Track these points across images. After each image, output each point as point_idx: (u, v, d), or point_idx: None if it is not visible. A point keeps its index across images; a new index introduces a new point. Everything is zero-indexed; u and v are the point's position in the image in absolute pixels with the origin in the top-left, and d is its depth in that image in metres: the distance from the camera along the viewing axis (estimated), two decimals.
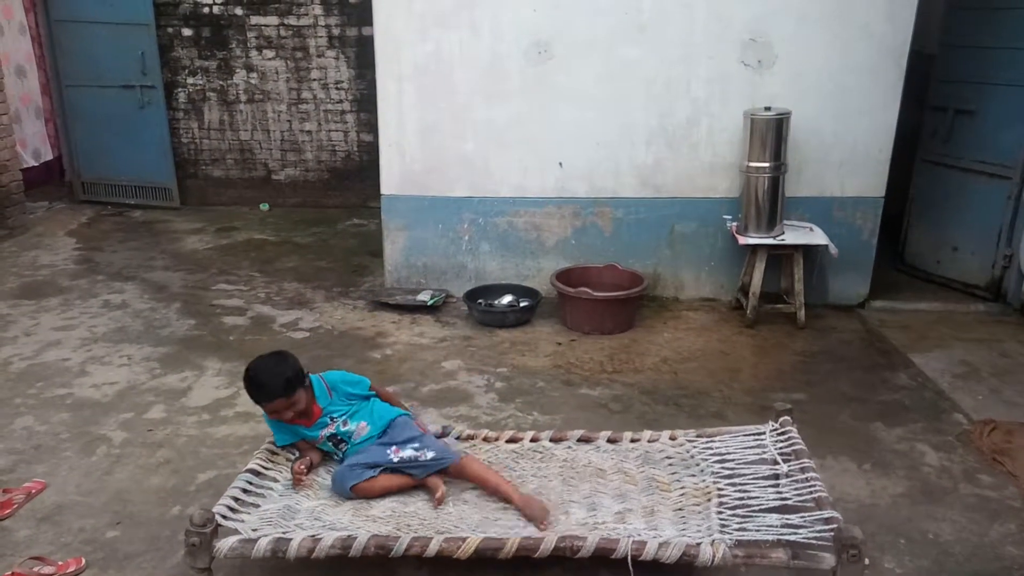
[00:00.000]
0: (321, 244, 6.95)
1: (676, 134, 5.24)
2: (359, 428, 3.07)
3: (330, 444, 3.09)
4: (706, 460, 3.19)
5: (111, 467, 3.47)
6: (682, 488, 3.04)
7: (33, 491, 3.27)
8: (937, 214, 5.76)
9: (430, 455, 3.01)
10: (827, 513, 2.66)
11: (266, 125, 8.04)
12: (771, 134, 4.86)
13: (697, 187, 5.34)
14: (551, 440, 3.36)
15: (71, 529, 3.05)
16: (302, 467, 3.01)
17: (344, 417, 3.08)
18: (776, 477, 3.00)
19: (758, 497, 2.89)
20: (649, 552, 2.55)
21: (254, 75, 7.88)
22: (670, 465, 3.21)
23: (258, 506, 2.84)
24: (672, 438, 3.35)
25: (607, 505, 2.95)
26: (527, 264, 5.53)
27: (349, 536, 2.62)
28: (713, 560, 2.52)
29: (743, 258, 5.32)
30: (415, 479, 3.02)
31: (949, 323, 5.19)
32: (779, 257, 5.20)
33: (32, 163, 7.74)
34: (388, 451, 3.01)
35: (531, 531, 2.75)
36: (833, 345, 4.89)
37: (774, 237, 5.02)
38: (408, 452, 3.01)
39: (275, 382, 2.92)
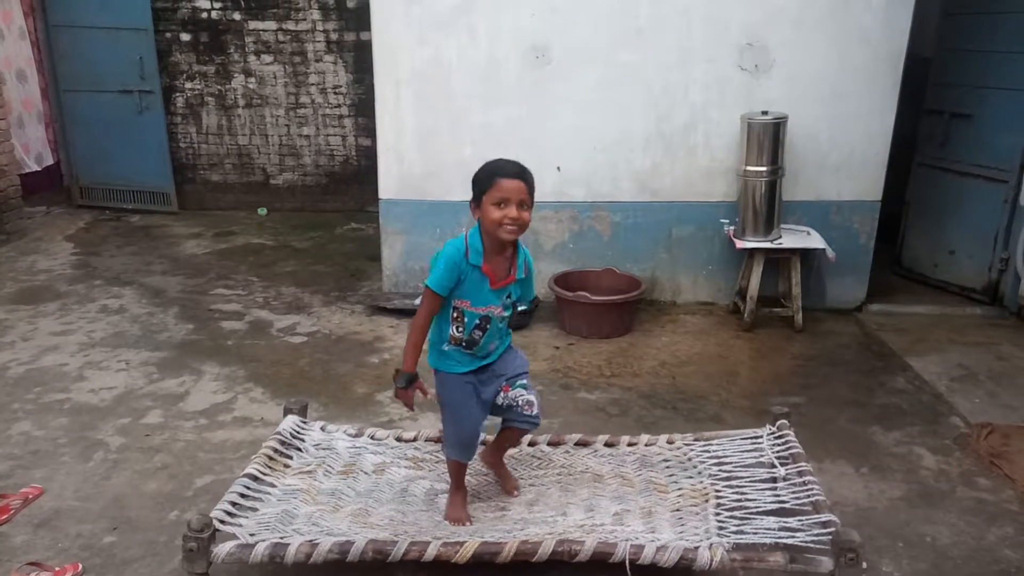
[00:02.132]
0: (319, 248, 6.95)
1: (674, 138, 5.25)
2: (498, 340, 2.85)
3: (477, 323, 2.74)
4: (704, 463, 3.20)
5: (108, 472, 3.47)
6: (680, 490, 3.05)
7: (30, 496, 3.26)
8: (934, 218, 5.77)
9: (535, 409, 2.90)
10: (825, 517, 2.67)
11: (264, 130, 8.05)
12: (768, 138, 4.87)
13: (695, 191, 5.34)
14: (548, 444, 3.37)
15: (68, 534, 3.04)
16: (411, 396, 2.81)
17: (506, 307, 2.79)
18: (774, 480, 3.01)
19: (756, 500, 2.90)
20: (647, 556, 2.55)
21: (252, 80, 7.89)
22: (667, 468, 3.22)
23: (256, 511, 2.84)
24: (670, 442, 3.36)
25: (605, 507, 2.96)
26: None
27: (347, 541, 2.62)
28: (711, 564, 2.53)
29: (740, 262, 5.33)
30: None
31: (946, 326, 5.20)
32: (776, 261, 5.20)
33: (35, 168, 7.74)
34: (498, 388, 2.86)
35: (529, 535, 2.76)
36: (830, 349, 4.89)
37: (771, 241, 5.03)
38: (518, 391, 2.87)
39: (520, 166, 2.65)
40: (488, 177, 2.62)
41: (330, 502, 2.99)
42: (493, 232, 2.64)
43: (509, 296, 2.79)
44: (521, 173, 2.63)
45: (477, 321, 2.74)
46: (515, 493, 3.08)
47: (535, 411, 2.92)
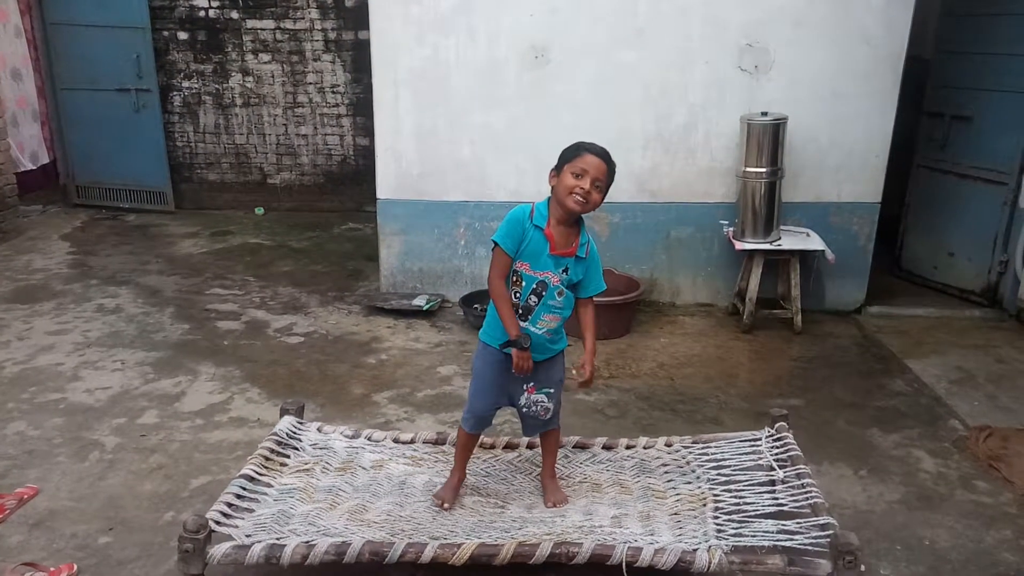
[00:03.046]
0: (316, 248, 6.94)
1: (673, 139, 5.24)
2: (549, 320, 2.85)
3: (533, 288, 2.81)
4: (702, 466, 3.19)
5: (104, 472, 3.45)
6: (677, 494, 3.04)
7: (25, 496, 3.23)
8: (933, 220, 5.77)
9: (550, 415, 2.99)
10: (823, 519, 2.66)
11: (262, 129, 8.03)
12: (768, 139, 4.86)
13: (694, 192, 5.33)
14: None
15: (63, 535, 3.03)
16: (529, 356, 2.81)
17: (563, 284, 2.83)
18: (772, 483, 3.01)
19: (754, 503, 2.90)
20: (645, 558, 2.55)
21: (250, 79, 7.87)
22: (666, 472, 3.21)
23: (252, 512, 2.83)
24: (668, 444, 3.36)
25: (603, 512, 2.95)
26: None
27: (343, 542, 2.61)
28: (709, 566, 2.52)
29: (740, 263, 5.32)
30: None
31: (945, 329, 5.20)
32: (776, 262, 5.20)
33: (30, 166, 7.72)
34: (524, 386, 2.92)
35: (527, 535, 2.74)
36: (829, 351, 4.88)
37: (771, 242, 5.02)
38: (539, 396, 2.93)
39: (607, 152, 2.78)
40: (575, 149, 2.79)
41: (327, 499, 2.98)
42: (563, 199, 2.76)
43: (567, 271, 2.82)
44: (606, 156, 2.78)
45: (534, 285, 2.82)
46: (548, 505, 3.05)
47: (548, 416, 2.99)
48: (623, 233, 5.40)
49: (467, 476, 3.13)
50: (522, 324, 2.84)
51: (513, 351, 2.80)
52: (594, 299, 2.94)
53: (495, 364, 2.91)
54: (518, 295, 2.84)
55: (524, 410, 2.98)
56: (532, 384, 2.92)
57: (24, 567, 2.79)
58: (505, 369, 2.89)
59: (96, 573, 2.83)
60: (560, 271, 2.82)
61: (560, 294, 2.83)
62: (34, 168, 7.83)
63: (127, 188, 7.93)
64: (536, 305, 2.83)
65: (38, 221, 7.46)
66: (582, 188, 2.72)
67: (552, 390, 2.96)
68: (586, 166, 2.73)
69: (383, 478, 3.14)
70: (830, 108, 5.10)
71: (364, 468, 3.20)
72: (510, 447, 3.38)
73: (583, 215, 2.84)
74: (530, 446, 3.36)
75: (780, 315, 5.19)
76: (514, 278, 2.84)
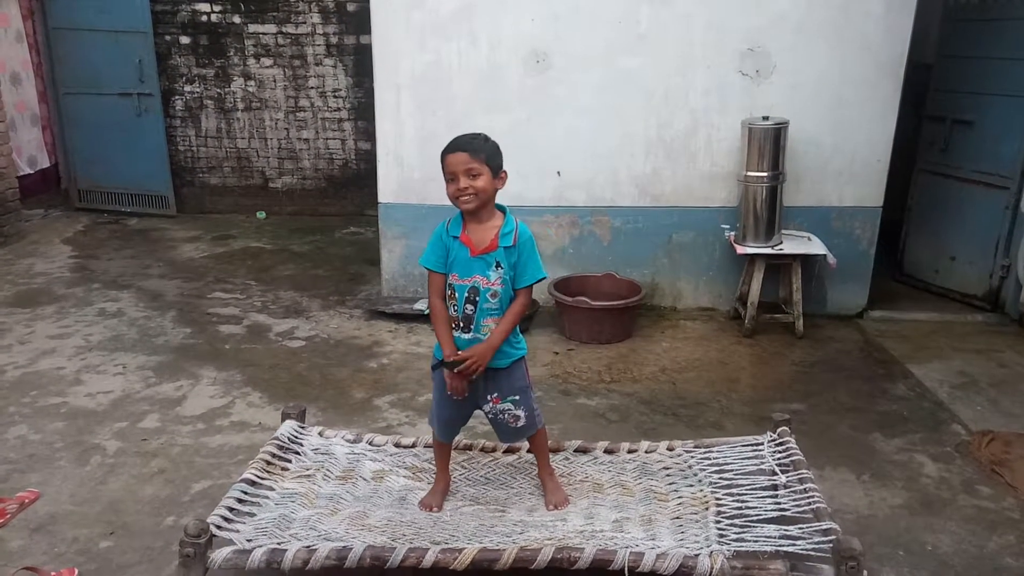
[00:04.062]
0: (318, 252, 6.94)
1: (674, 143, 5.25)
2: (490, 323, 2.81)
3: (466, 296, 2.79)
4: (704, 470, 3.18)
5: (105, 477, 3.44)
6: (680, 498, 3.03)
7: (26, 501, 3.24)
8: (935, 224, 5.76)
9: (521, 423, 2.93)
10: (826, 524, 2.65)
11: (263, 133, 8.04)
12: (769, 144, 4.86)
13: (695, 196, 5.33)
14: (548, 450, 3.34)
15: (65, 539, 3.02)
16: (461, 380, 2.80)
17: (500, 281, 2.78)
18: (774, 488, 2.99)
19: (756, 508, 2.88)
20: (647, 563, 2.53)
21: (252, 83, 7.88)
22: (667, 476, 3.20)
23: (253, 516, 2.82)
24: (670, 448, 3.35)
25: (604, 515, 2.94)
26: None
27: (345, 547, 2.60)
28: (711, 571, 2.50)
29: (741, 268, 5.32)
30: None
31: (947, 333, 5.19)
32: (777, 267, 5.19)
33: (28, 171, 7.73)
34: (488, 396, 2.89)
35: (528, 540, 2.74)
36: (831, 355, 4.88)
37: (772, 247, 5.02)
38: (505, 405, 2.90)
39: (467, 137, 2.76)
40: (442, 155, 2.78)
41: (328, 506, 2.98)
42: (455, 205, 2.79)
43: (499, 267, 2.78)
44: (463, 144, 2.73)
45: (466, 293, 2.80)
46: (549, 508, 3.03)
47: (520, 424, 2.95)
48: (625, 237, 5.40)
49: (467, 486, 3.14)
50: (466, 336, 2.82)
51: (445, 372, 2.81)
52: (530, 289, 2.84)
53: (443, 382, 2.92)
54: (455, 308, 2.83)
55: (491, 417, 2.97)
56: (495, 395, 2.91)
57: (25, 572, 2.79)
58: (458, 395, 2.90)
59: None
60: (492, 269, 2.78)
61: (494, 296, 2.79)
62: (32, 172, 7.84)
63: (129, 192, 7.94)
64: (474, 312, 2.81)
65: (40, 225, 7.46)
66: (459, 189, 2.73)
67: (517, 398, 2.91)
68: (449, 167, 2.74)
69: (384, 491, 3.13)
70: (832, 113, 5.10)
71: (365, 479, 3.19)
72: (510, 451, 3.37)
73: (501, 206, 2.85)
74: (530, 450, 3.35)
75: (782, 319, 5.19)
76: (448, 292, 2.84)
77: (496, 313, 2.82)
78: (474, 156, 2.72)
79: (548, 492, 3.07)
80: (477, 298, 2.79)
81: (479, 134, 2.81)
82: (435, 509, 2.99)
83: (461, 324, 2.83)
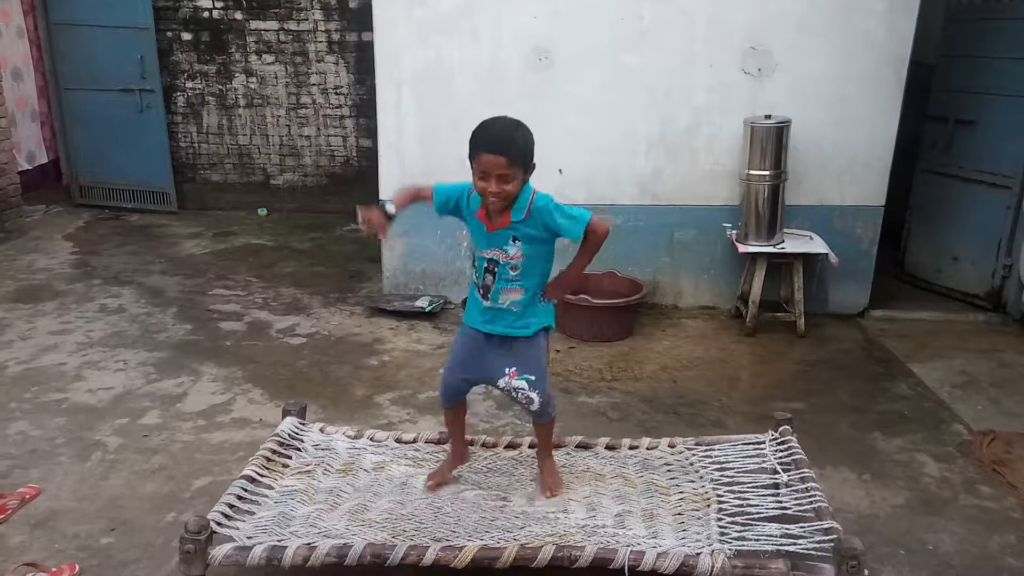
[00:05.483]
0: (319, 249, 6.93)
1: (676, 142, 5.24)
2: (511, 294, 2.81)
3: (485, 267, 2.80)
4: (705, 468, 3.18)
5: (106, 473, 3.45)
6: (681, 493, 3.04)
7: (27, 496, 3.24)
8: (937, 224, 5.76)
9: (535, 407, 2.92)
10: (827, 523, 2.65)
11: (265, 130, 8.03)
12: (771, 142, 4.85)
13: (697, 195, 5.33)
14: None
15: (65, 535, 3.02)
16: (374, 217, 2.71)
17: (521, 254, 2.76)
18: (776, 487, 3.00)
19: (757, 506, 2.89)
20: (648, 562, 2.54)
21: (253, 80, 7.87)
22: (669, 471, 3.21)
23: (253, 513, 2.83)
24: (671, 445, 3.35)
25: (606, 506, 2.94)
26: None
27: (345, 544, 2.60)
28: (712, 571, 2.51)
29: (743, 266, 5.31)
30: None
31: (949, 333, 5.19)
32: (779, 266, 5.19)
33: (26, 166, 7.73)
34: (506, 370, 2.87)
35: (530, 535, 2.74)
36: (833, 354, 4.87)
37: (774, 245, 5.01)
38: (520, 383, 2.87)
39: (505, 133, 2.63)
40: (473, 145, 2.66)
41: (328, 500, 2.98)
42: (481, 197, 2.72)
43: (516, 240, 2.75)
44: (502, 147, 2.61)
45: (486, 264, 2.80)
46: (547, 495, 3.03)
47: (534, 407, 2.94)
48: (626, 236, 5.39)
49: (469, 473, 3.15)
50: (485, 304, 2.85)
51: (366, 214, 2.73)
52: (592, 231, 2.79)
53: (464, 338, 2.98)
54: (476, 274, 2.85)
55: (507, 392, 2.95)
56: (514, 369, 2.87)
57: (26, 567, 2.79)
58: (476, 345, 2.92)
59: (98, 574, 2.83)
60: (509, 243, 2.76)
61: (514, 269, 2.78)
62: (31, 168, 7.84)
63: (130, 188, 7.93)
64: (492, 283, 2.82)
65: (41, 221, 7.46)
66: (491, 191, 2.64)
67: (533, 377, 2.88)
68: (484, 167, 2.62)
69: (384, 479, 3.14)
70: (834, 112, 5.09)
71: (366, 470, 3.20)
72: (511, 447, 3.38)
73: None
74: (531, 445, 3.35)
75: (783, 318, 5.18)
76: (472, 257, 2.88)
77: (517, 283, 2.81)
78: (512, 162, 2.61)
79: (543, 475, 3.08)
80: (496, 269, 2.80)
81: (516, 128, 2.67)
82: (431, 483, 3.05)
83: (481, 291, 2.86)
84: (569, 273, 2.94)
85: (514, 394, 2.92)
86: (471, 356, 2.95)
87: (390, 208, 2.76)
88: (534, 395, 2.90)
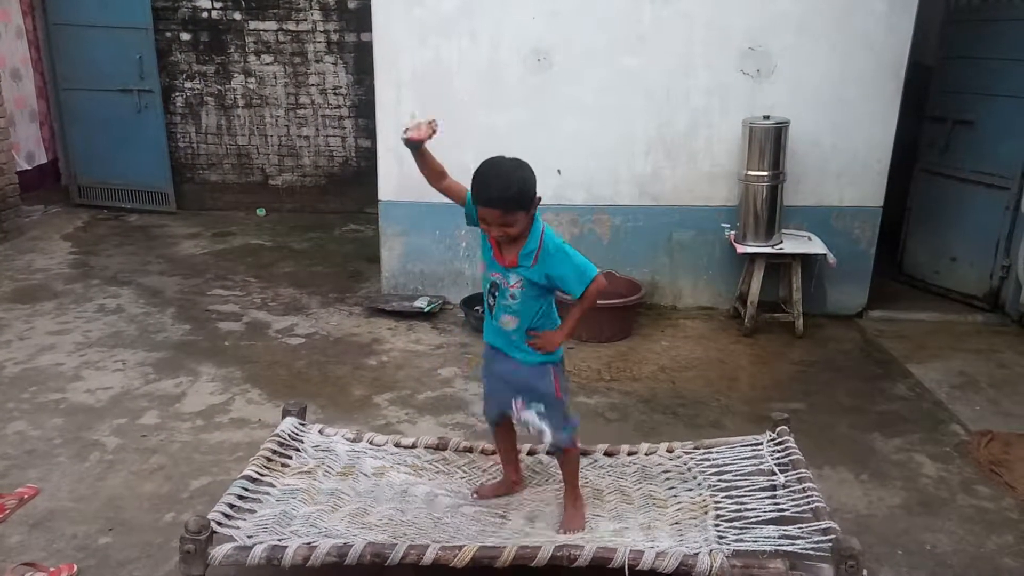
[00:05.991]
0: (318, 250, 6.94)
1: (675, 143, 5.24)
2: (507, 320, 2.82)
3: (489, 288, 2.84)
4: (703, 473, 3.18)
5: (104, 473, 3.44)
6: (679, 504, 3.03)
7: (25, 496, 3.24)
8: (935, 224, 5.76)
9: (547, 439, 2.87)
10: (825, 524, 2.65)
11: (264, 130, 8.03)
12: (770, 143, 4.86)
13: (696, 195, 5.33)
14: (547, 454, 3.33)
15: (64, 535, 3.02)
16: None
17: (520, 285, 2.76)
18: (773, 488, 3.00)
19: (755, 508, 2.89)
20: (646, 561, 2.53)
21: (252, 80, 7.87)
22: (667, 479, 3.19)
23: (254, 512, 2.82)
24: (669, 451, 3.35)
25: (604, 526, 2.93)
26: None
27: (345, 544, 2.60)
28: (711, 570, 2.51)
29: (741, 267, 5.32)
30: None
31: (947, 333, 5.19)
32: (777, 266, 5.19)
33: (25, 167, 7.73)
34: (513, 401, 2.87)
35: (527, 540, 2.74)
36: (831, 355, 4.88)
37: (772, 246, 5.02)
38: (529, 416, 2.85)
39: (498, 185, 2.60)
40: (473, 193, 2.68)
41: (329, 502, 2.98)
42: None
43: (520, 278, 2.74)
44: (495, 201, 2.60)
45: (489, 286, 2.84)
46: (561, 532, 2.90)
47: (547, 440, 2.90)
48: (625, 236, 5.40)
49: (469, 488, 3.17)
50: (490, 317, 2.90)
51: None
52: (586, 295, 2.77)
53: (485, 361, 3.02)
54: (483, 290, 2.89)
55: (523, 427, 2.94)
56: (520, 399, 2.86)
57: (24, 567, 2.79)
58: (488, 364, 2.99)
59: (96, 574, 2.83)
60: (513, 274, 2.75)
61: (512, 297, 2.77)
62: (30, 168, 7.83)
63: (129, 188, 7.93)
64: (493, 304, 2.85)
65: (40, 221, 7.45)
66: (493, 234, 2.70)
67: (541, 406, 2.84)
68: (483, 215, 2.65)
69: (385, 485, 3.13)
70: (832, 112, 5.10)
71: (366, 474, 3.19)
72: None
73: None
74: (530, 452, 3.35)
75: (781, 319, 5.19)
76: (483, 272, 2.89)
77: (514, 313, 2.81)
78: (508, 211, 2.61)
79: (567, 517, 2.95)
80: (497, 293, 2.82)
81: (513, 172, 2.63)
82: (475, 495, 3.10)
83: (488, 305, 2.89)
84: (561, 331, 2.88)
85: (528, 428, 2.90)
86: (492, 385, 3.01)
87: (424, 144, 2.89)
88: (544, 426, 2.86)
